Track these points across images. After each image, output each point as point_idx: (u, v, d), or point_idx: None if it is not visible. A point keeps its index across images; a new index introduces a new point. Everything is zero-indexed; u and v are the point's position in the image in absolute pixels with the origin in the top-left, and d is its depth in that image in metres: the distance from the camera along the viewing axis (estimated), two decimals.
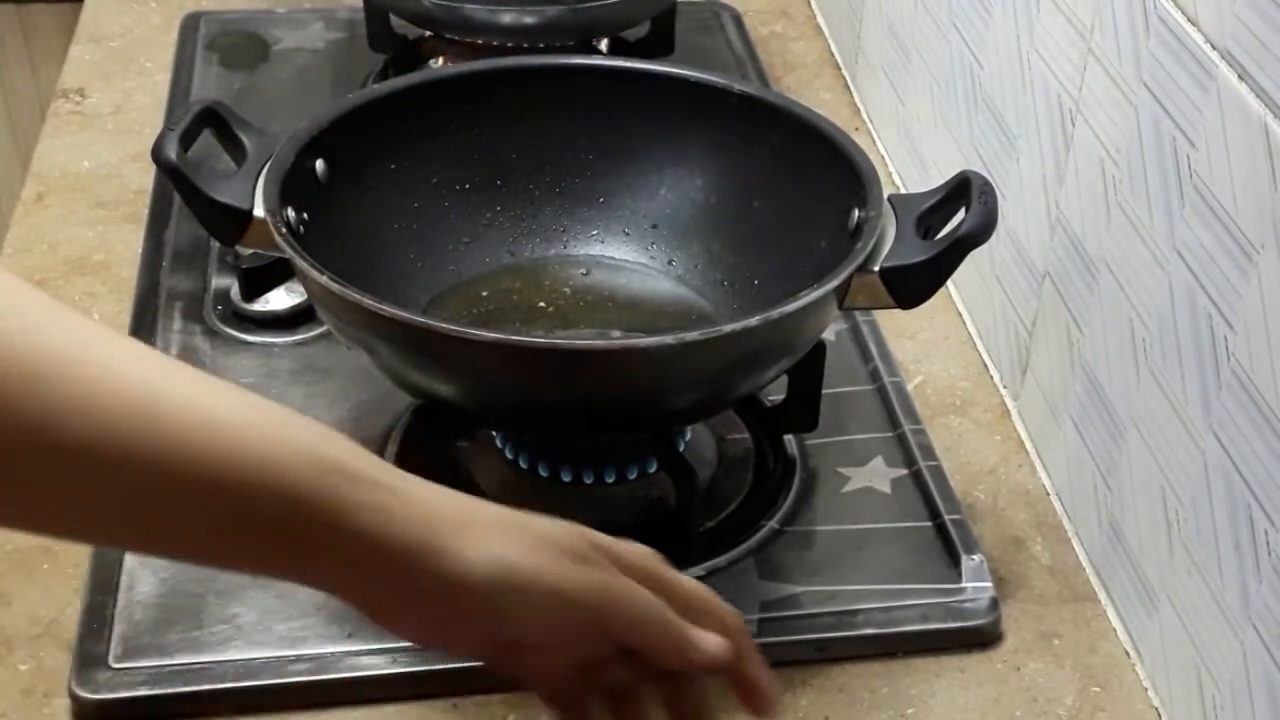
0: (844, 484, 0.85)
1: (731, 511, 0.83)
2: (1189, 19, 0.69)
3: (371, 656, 0.74)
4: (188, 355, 0.91)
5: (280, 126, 0.81)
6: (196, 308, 0.95)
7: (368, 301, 0.70)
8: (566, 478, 0.82)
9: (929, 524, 0.82)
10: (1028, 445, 0.90)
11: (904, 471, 0.85)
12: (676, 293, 0.89)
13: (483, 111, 0.89)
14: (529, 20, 1.11)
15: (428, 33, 1.19)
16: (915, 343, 0.98)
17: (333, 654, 0.74)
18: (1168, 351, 0.72)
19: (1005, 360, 0.94)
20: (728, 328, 0.71)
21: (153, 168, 0.89)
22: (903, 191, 0.99)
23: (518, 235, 0.91)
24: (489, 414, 0.79)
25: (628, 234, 0.91)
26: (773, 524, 0.82)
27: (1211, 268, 0.68)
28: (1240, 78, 0.65)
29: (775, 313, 0.71)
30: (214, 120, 0.79)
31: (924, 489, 0.84)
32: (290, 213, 0.77)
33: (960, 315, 1.00)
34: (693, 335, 0.70)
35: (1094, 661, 0.77)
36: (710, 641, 0.57)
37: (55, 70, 1.24)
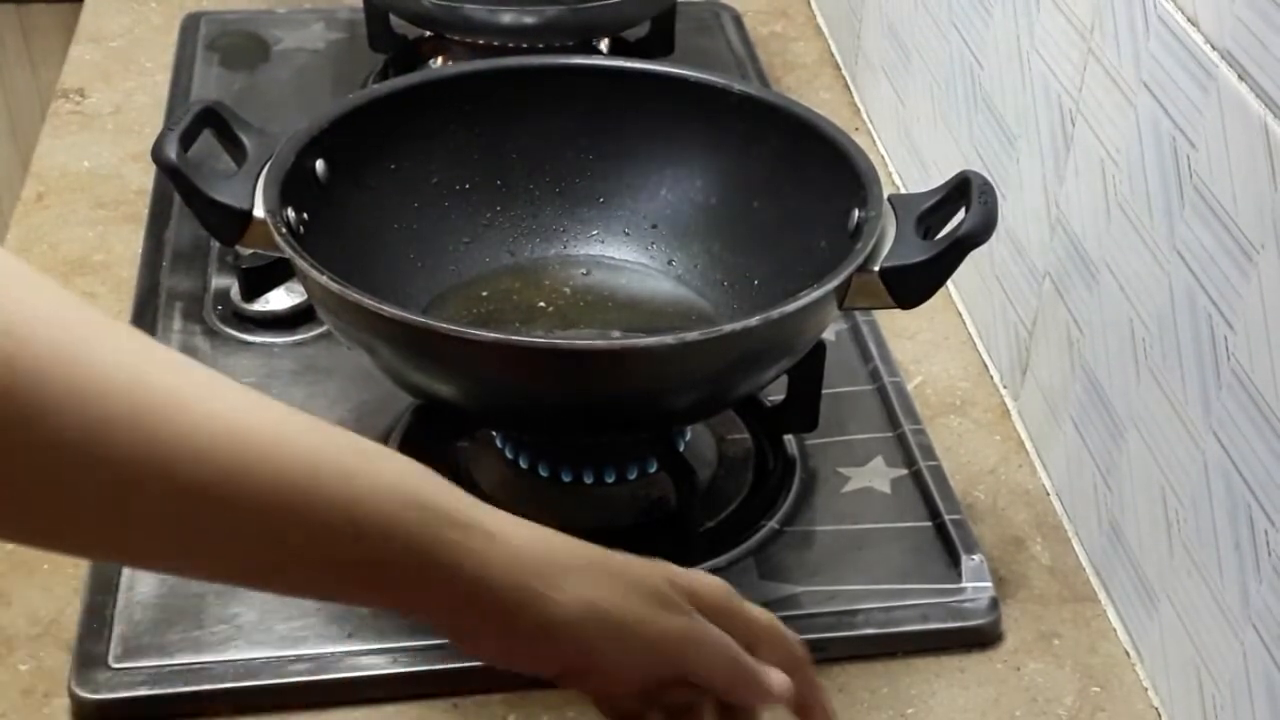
0: (844, 484, 0.85)
1: (731, 511, 0.83)
2: (1189, 19, 0.69)
3: (371, 656, 0.74)
4: (188, 355, 0.91)
5: (280, 127, 0.81)
6: (196, 308, 0.95)
7: (368, 301, 0.70)
8: (566, 478, 0.82)
9: (929, 524, 0.82)
10: (1028, 445, 0.90)
11: (904, 471, 0.85)
12: (676, 293, 0.89)
13: (483, 111, 0.89)
14: (529, 20, 1.11)
15: (428, 33, 1.19)
16: (915, 343, 0.98)
17: (333, 654, 0.74)
18: (1168, 351, 0.72)
19: (1005, 360, 0.94)
20: (728, 328, 0.71)
21: (153, 168, 0.89)
22: (903, 191, 0.99)
23: (518, 235, 0.91)
24: (489, 414, 0.79)
25: (628, 234, 0.91)
26: (773, 524, 0.82)
27: (1211, 268, 0.68)
28: (1240, 78, 0.65)
29: (775, 313, 0.71)
30: (214, 120, 0.79)
31: (924, 489, 0.84)
32: (290, 213, 0.77)
33: (960, 315, 1.00)
34: (693, 335, 0.70)
35: (1094, 661, 0.77)
36: (776, 680, 0.59)
37: (55, 70, 1.24)
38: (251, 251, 0.80)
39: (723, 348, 0.72)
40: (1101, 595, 0.81)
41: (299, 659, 0.73)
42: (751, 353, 0.74)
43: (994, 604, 0.78)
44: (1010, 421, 0.92)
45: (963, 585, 0.79)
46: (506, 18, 1.11)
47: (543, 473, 0.82)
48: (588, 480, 0.82)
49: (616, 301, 0.89)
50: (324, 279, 0.71)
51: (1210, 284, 0.68)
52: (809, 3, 1.37)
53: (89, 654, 0.73)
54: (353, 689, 0.73)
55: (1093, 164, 0.80)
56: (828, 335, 0.83)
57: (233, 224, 0.76)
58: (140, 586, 0.76)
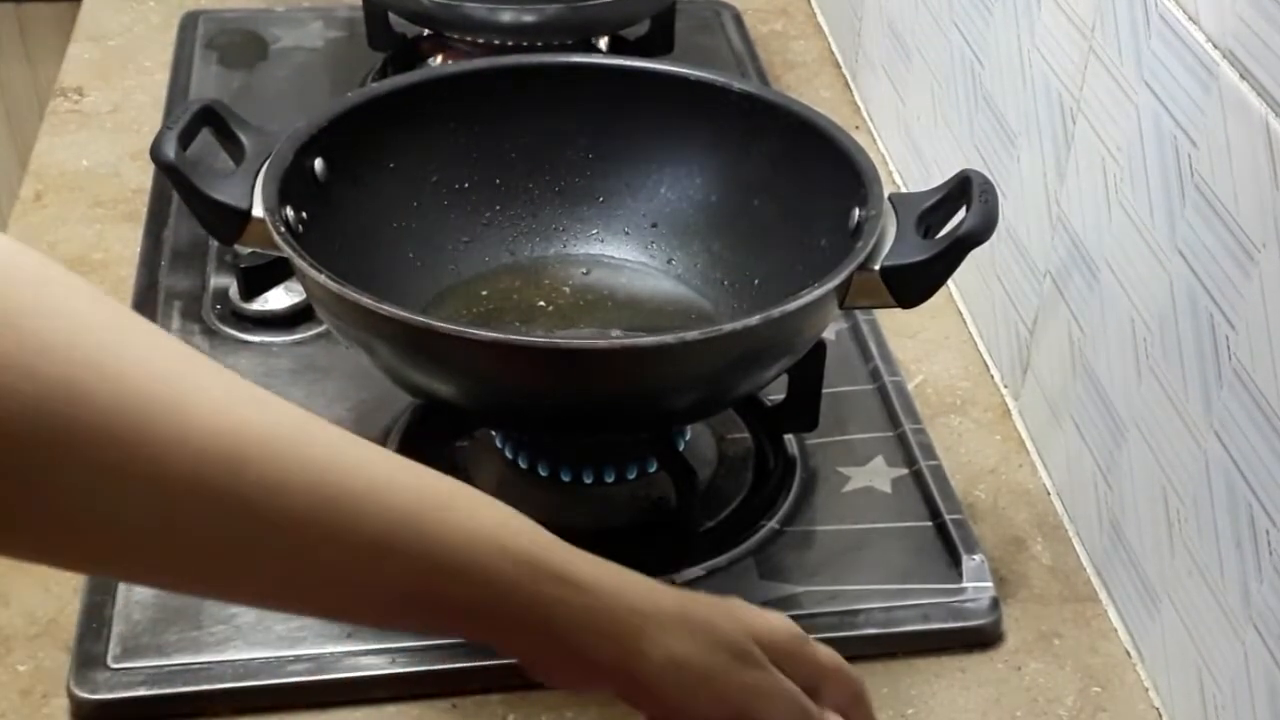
0: (844, 484, 0.85)
1: (731, 511, 0.83)
2: (1190, 17, 0.69)
3: (371, 656, 0.74)
4: None
5: (279, 125, 0.81)
6: (195, 307, 0.95)
7: (367, 301, 0.70)
8: (566, 478, 0.82)
9: (929, 524, 0.82)
10: (1028, 445, 0.90)
11: (904, 471, 0.85)
12: (676, 292, 0.89)
13: (482, 110, 0.89)
14: (528, 18, 1.11)
15: (427, 31, 1.19)
16: (915, 342, 0.98)
17: (332, 654, 0.74)
18: (1169, 351, 0.72)
19: (1006, 359, 0.93)
20: (728, 327, 0.71)
21: (151, 167, 0.89)
22: (903, 190, 0.99)
23: (517, 235, 0.91)
24: (488, 413, 0.79)
25: (627, 233, 0.91)
26: (773, 524, 0.82)
27: (1213, 267, 0.67)
28: (1241, 76, 0.65)
29: (775, 312, 0.71)
30: (213, 119, 0.79)
31: (924, 489, 0.84)
32: (289, 212, 0.77)
33: (961, 314, 1.00)
34: (693, 335, 0.70)
35: (1095, 661, 0.77)
36: None
37: (54, 69, 1.24)
38: (250, 250, 0.80)
39: (723, 347, 0.72)
40: (1102, 595, 0.81)
41: (298, 659, 0.73)
42: (752, 352, 0.74)
43: (995, 604, 0.78)
44: (1011, 421, 0.92)
45: (963, 585, 0.78)
46: (506, 16, 1.11)
47: (542, 472, 0.82)
48: (588, 480, 0.82)
49: (616, 301, 0.89)
50: (323, 278, 0.71)
51: (1211, 283, 0.68)
52: (809, 1, 1.37)
53: (88, 654, 0.73)
54: (352, 689, 0.73)
55: (1094, 163, 0.79)
56: (828, 334, 0.83)
57: (231, 223, 0.76)
58: (139, 587, 0.76)
